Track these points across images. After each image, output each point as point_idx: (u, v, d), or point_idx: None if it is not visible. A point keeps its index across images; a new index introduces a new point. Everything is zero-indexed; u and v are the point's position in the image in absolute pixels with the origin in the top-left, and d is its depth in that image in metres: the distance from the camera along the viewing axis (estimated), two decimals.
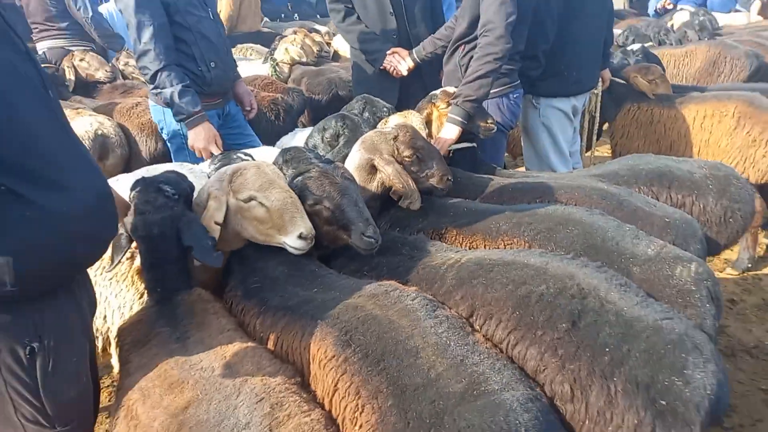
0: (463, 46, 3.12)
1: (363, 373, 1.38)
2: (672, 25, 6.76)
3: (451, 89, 2.85)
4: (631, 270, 1.77)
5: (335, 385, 1.41)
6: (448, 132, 2.75)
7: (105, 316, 2.11)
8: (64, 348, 1.42)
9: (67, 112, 3.87)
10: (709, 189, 2.52)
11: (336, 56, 6.52)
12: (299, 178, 1.98)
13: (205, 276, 2.10)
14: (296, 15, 9.98)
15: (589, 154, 4.48)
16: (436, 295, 1.69)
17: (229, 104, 3.47)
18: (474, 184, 2.55)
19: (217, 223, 1.90)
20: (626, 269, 1.77)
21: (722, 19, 8.33)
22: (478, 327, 1.58)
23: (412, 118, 2.55)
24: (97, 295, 2.08)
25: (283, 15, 10.05)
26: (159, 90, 2.93)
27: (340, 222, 1.91)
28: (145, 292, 1.99)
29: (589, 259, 1.73)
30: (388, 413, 1.29)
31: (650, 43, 6.27)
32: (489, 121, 2.77)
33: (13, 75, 1.28)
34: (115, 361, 1.93)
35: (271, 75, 5.62)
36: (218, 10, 7.40)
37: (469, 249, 2.02)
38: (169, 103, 2.94)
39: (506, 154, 4.90)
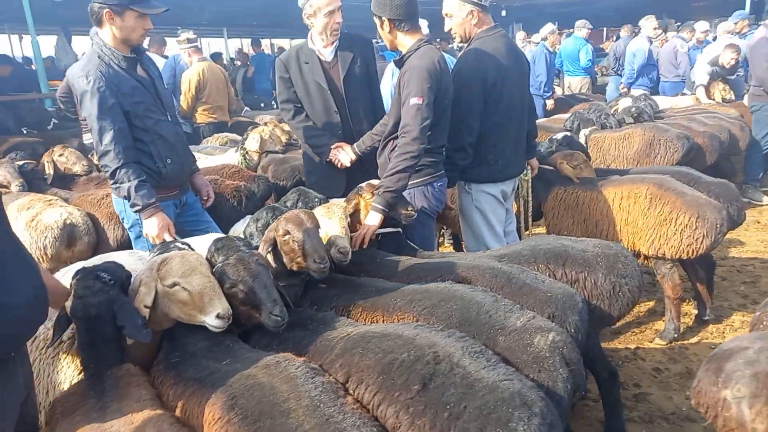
0: (391, 142, 3.54)
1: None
2: (615, 110, 7.35)
3: (375, 182, 3.23)
4: (497, 340, 2.06)
5: None
6: (371, 219, 3.10)
7: (47, 391, 2.35)
8: None
9: (40, 203, 4.24)
10: (599, 266, 2.84)
11: None
12: (219, 264, 2.29)
13: (141, 353, 2.36)
14: (275, 104, 10.64)
15: (527, 233, 4.84)
16: (323, 364, 1.97)
17: (186, 195, 3.84)
18: (390, 265, 2.87)
19: (146, 306, 2.20)
20: (493, 339, 2.07)
21: (669, 101, 9.04)
22: (351, 391, 1.84)
23: (335, 209, 2.90)
24: (41, 372, 2.35)
25: (263, 105, 10.72)
26: (118, 185, 3.30)
27: (252, 303, 2.21)
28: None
29: (462, 331, 2.03)
30: None
31: (593, 127, 6.84)
32: (409, 209, 3.13)
33: None
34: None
35: (240, 163, 6.05)
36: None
37: (370, 323, 2.31)
38: (126, 197, 3.30)
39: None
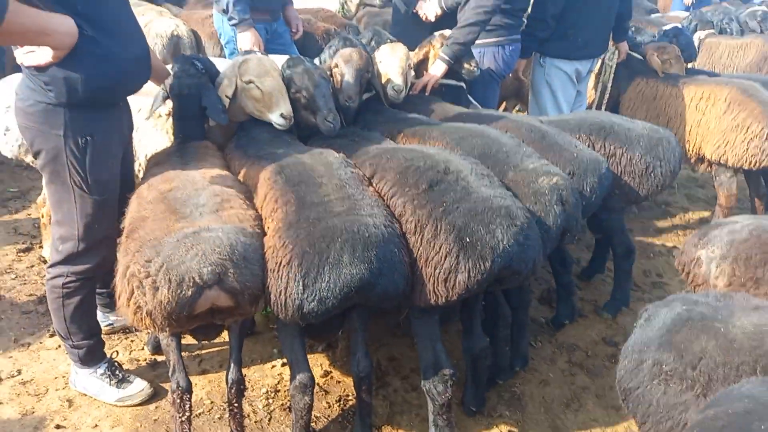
0: None
1: (282, 189, 2.09)
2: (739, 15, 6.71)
3: (447, 32, 3.39)
4: (507, 174, 2.36)
5: (265, 196, 2.13)
6: (436, 68, 3.32)
7: (146, 155, 2.91)
8: (106, 145, 2.21)
9: (153, 13, 4.73)
10: (639, 145, 2.96)
11: None
12: (288, 72, 2.66)
13: (217, 136, 2.84)
14: None
15: None
16: (357, 162, 2.39)
17: (277, 23, 4.17)
18: (442, 109, 3.15)
19: (227, 96, 2.63)
20: (504, 173, 2.36)
21: None
22: (374, 185, 2.24)
23: (399, 48, 3.14)
24: (142, 137, 2.89)
25: None
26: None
27: (311, 107, 2.60)
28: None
29: (479, 161, 2.33)
30: (290, 213, 1.98)
31: (711, 30, 6.35)
32: (473, 64, 3.31)
33: None
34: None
35: (338, 11, 6.24)
36: None
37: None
38: (224, 10, 3.67)
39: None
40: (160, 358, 2.82)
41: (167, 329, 1.85)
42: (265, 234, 2.02)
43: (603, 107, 4.65)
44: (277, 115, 2.56)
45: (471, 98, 3.51)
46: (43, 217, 3.31)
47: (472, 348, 2.38)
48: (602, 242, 3.54)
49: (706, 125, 4.07)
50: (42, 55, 1.95)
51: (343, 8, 6.39)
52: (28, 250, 3.64)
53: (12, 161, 4.68)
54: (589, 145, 2.97)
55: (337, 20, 5.62)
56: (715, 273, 2.05)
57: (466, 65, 3.29)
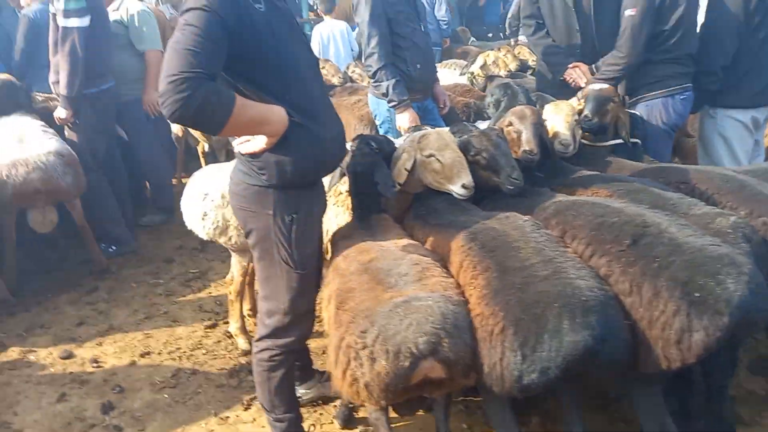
0: None
1: (479, 255, 2.09)
2: None
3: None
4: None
5: (461, 264, 2.13)
6: None
7: (327, 230, 3.08)
8: (308, 221, 2.37)
9: None
10: None
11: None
12: (465, 137, 2.74)
13: (397, 211, 2.95)
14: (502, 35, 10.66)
15: None
16: (539, 221, 2.35)
17: (427, 100, 4.37)
18: (620, 165, 3.12)
19: (406, 169, 2.75)
20: None
21: None
22: (567, 244, 2.17)
23: (563, 106, 3.13)
24: (325, 216, 3.07)
25: (490, 35, 10.82)
26: (378, 83, 3.94)
27: (493, 168, 2.64)
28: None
29: None
30: (492, 279, 1.97)
31: None
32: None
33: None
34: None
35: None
36: None
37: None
38: (385, 94, 3.92)
39: None
40: None
41: (383, 402, 1.86)
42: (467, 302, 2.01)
43: None
44: (459, 186, 2.62)
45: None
46: (230, 294, 3.57)
47: None
48: None
49: None
50: (257, 143, 2.17)
51: (473, 81, 6.58)
52: (213, 326, 3.93)
53: (188, 246, 5.25)
54: None
55: (474, 94, 5.79)
56: None
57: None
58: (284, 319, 2.41)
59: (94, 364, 3.56)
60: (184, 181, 6.88)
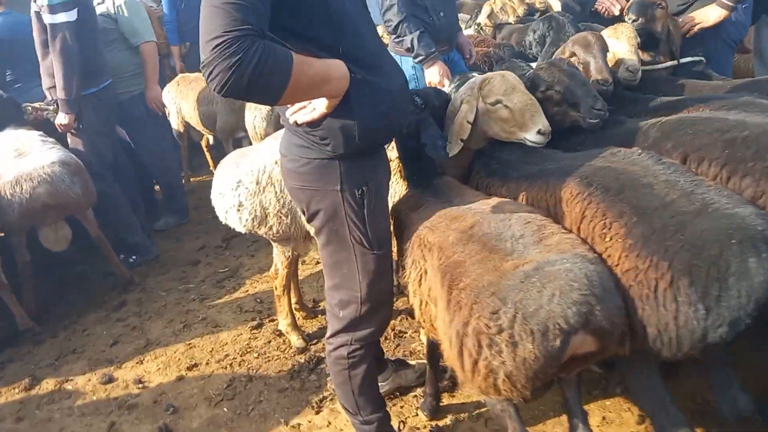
0: None
1: (606, 201, 1.74)
2: None
3: None
4: None
5: (582, 214, 1.78)
6: (712, 13, 3.02)
7: None
8: (379, 193, 2.02)
9: None
10: None
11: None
12: (530, 72, 2.38)
13: (455, 171, 2.61)
14: None
15: None
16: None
17: (452, 52, 3.99)
18: (694, 86, 2.75)
19: (468, 122, 2.39)
20: None
21: None
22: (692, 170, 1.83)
23: (622, 29, 2.78)
24: None
25: None
26: (400, 38, 3.55)
27: (571, 101, 2.28)
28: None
29: None
30: (634, 226, 1.62)
31: None
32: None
33: None
34: None
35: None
36: None
37: None
38: (409, 49, 3.54)
39: None
40: (441, 423, 2.55)
41: (527, 392, 1.53)
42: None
43: None
44: (534, 132, 2.27)
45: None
46: (276, 289, 3.25)
47: None
48: None
49: None
50: (317, 108, 1.81)
51: (480, 33, 6.18)
52: (259, 326, 3.62)
53: (211, 244, 4.91)
54: None
55: (489, 42, 5.38)
56: None
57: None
58: (362, 308, 2.08)
59: (139, 385, 3.25)
60: (192, 179, 6.57)
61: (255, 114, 4.76)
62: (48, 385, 3.39)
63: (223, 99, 5.47)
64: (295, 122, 1.88)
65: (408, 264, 2.06)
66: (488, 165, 2.41)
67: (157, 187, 5.81)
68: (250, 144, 5.27)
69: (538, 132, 2.26)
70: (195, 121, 5.76)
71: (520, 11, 6.38)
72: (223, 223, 3.04)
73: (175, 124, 5.90)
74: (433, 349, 2.48)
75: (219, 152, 6.87)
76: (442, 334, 1.72)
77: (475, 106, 2.39)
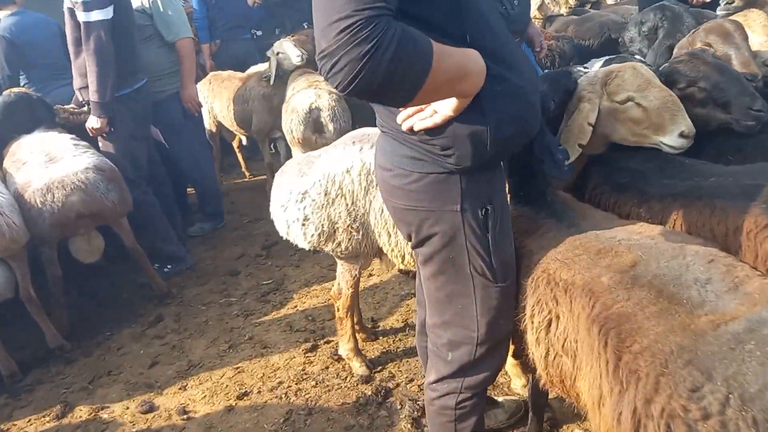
0: None
1: None
2: None
3: None
4: None
5: None
6: None
7: None
8: (504, 212, 1.65)
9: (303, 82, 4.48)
10: None
11: (597, 5, 6.30)
12: (665, 65, 1.99)
13: (560, 182, 2.23)
14: None
15: None
16: None
17: (522, 44, 3.60)
18: None
19: (590, 124, 2.01)
20: None
21: None
22: None
23: (753, 16, 2.39)
24: None
25: None
26: None
27: (719, 100, 1.89)
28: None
29: None
30: None
31: None
32: None
33: None
34: None
35: None
36: None
37: None
38: None
39: None
40: None
41: None
42: None
43: None
44: (675, 135, 1.88)
45: None
46: (338, 311, 2.90)
47: None
48: None
49: None
50: (442, 111, 1.44)
51: None
52: (314, 348, 3.27)
53: (250, 253, 4.57)
54: None
55: (547, 35, 4.98)
56: None
57: None
58: (477, 351, 1.72)
59: (184, 416, 2.91)
60: (224, 182, 6.23)
61: (292, 117, 4.41)
62: (81, 412, 3.07)
63: (260, 97, 5.14)
64: (409, 129, 1.51)
65: (529, 304, 1.69)
66: (613, 177, 2.03)
67: (189, 190, 5.49)
68: (286, 146, 4.94)
69: (681, 135, 1.88)
70: (228, 121, 5.43)
71: (572, 2, 5.99)
72: (284, 238, 2.69)
73: (207, 124, 5.58)
74: (539, 395, 2.12)
75: (251, 152, 6.56)
76: (594, 401, 1.35)
77: (598, 104, 2.01)
